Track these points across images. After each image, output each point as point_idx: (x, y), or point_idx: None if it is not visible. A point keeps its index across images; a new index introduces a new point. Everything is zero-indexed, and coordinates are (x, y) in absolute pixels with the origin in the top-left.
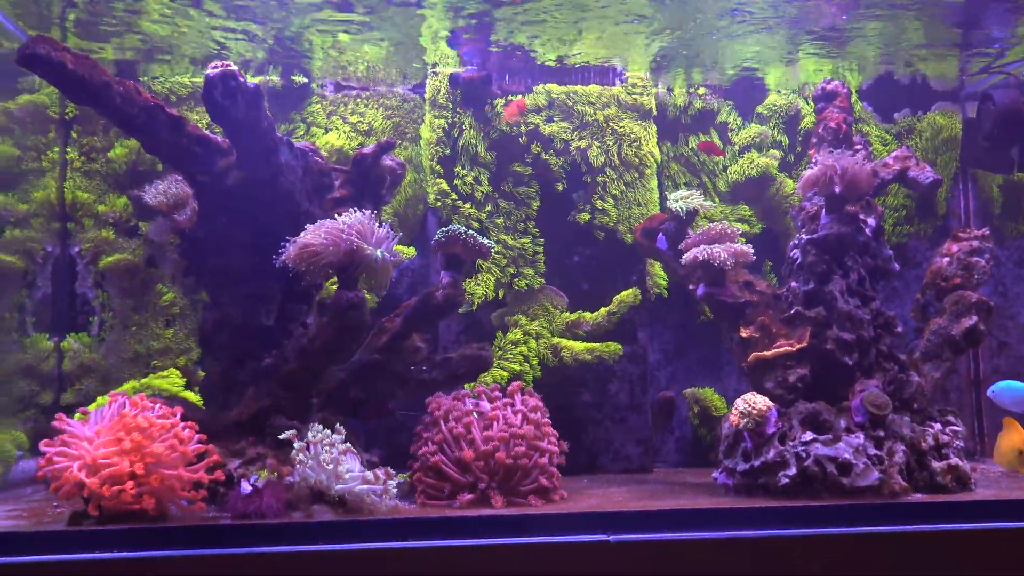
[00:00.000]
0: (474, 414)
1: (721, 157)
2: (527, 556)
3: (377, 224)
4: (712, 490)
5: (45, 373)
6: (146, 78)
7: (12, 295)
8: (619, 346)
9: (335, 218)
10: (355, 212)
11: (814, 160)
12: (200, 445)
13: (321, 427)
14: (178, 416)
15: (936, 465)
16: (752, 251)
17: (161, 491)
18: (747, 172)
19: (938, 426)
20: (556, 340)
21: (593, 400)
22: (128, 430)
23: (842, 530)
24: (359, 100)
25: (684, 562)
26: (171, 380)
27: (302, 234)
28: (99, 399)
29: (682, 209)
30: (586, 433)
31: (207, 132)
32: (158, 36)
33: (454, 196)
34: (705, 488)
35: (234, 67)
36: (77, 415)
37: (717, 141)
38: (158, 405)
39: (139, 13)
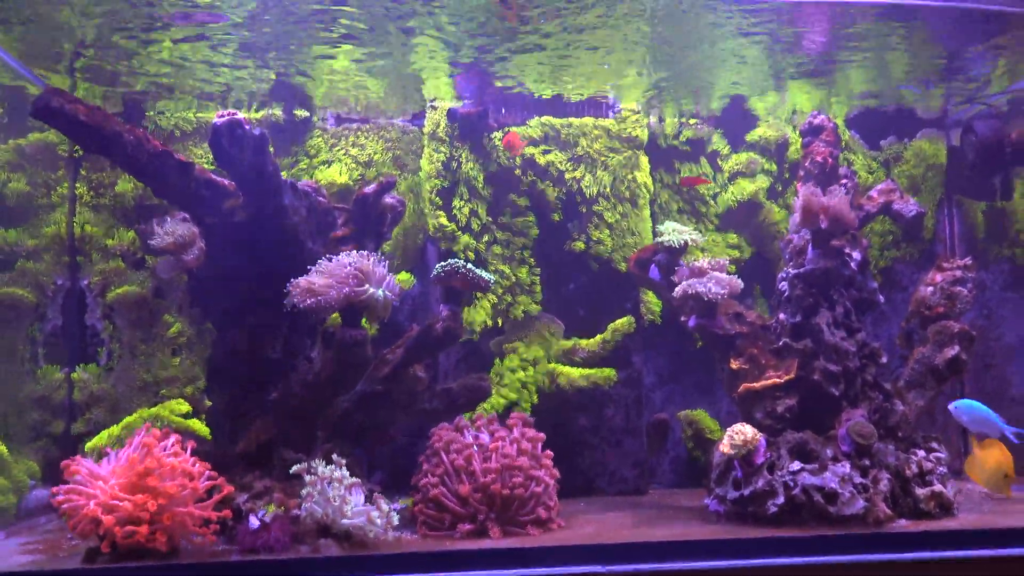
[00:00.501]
0: (474, 447)
1: (708, 185)
2: None
3: (378, 262)
4: (704, 516)
5: (56, 403)
6: (152, 113)
7: (25, 327)
8: (613, 372)
9: (339, 257)
10: (356, 252)
11: (800, 194)
12: (210, 481)
13: (327, 464)
14: (188, 452)
15: (920, 492)
16: (741, 284)
17: (173, 528)
18: (737, 197)
19: (922, 453)
20: (553, 366)
21: (589, 424)
22: (141, 474)
23: (828, 559)
24: (360, 132)
25: None
26: (179, 410)
27: (309, 276)
28: (110, 429)
29: (674, 241)
30: (583, 457)
31: (214, 175)
32: (164, 75)
33: (453, 227)
34: (697, 513)
35: (240, 115)
36: (88, 444)
37: (708, 170)
38: (172, 440)
39: (146, 52)
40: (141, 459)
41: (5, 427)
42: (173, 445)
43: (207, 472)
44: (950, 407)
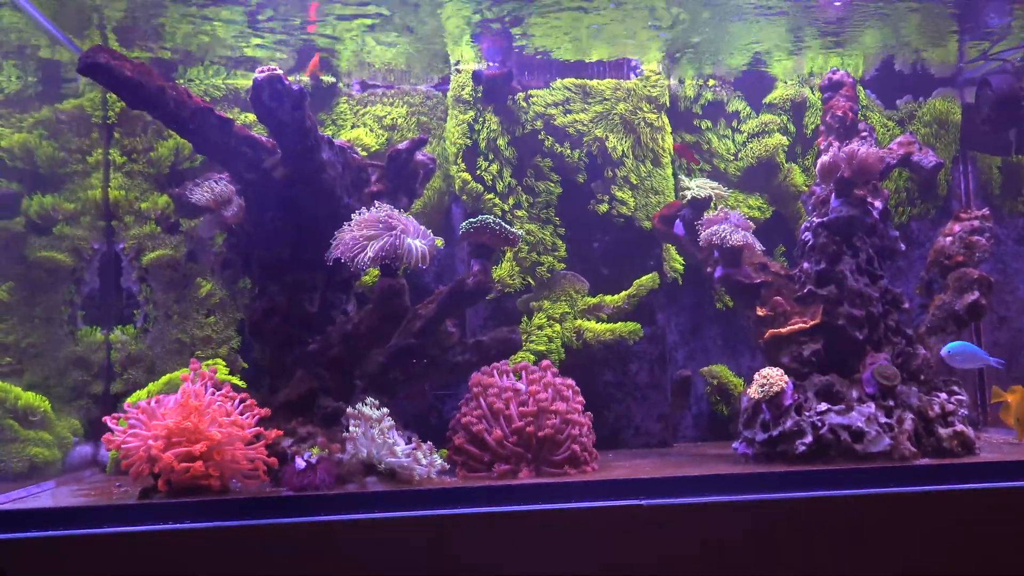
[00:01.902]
0: (511, 391)
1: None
2: (567, 519)
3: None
4: (733, 460)
5: (96, 364)
6: (182, 81)
7: (63, 291)
8: (638, 325)
9: (373, 210)
10: (388, 205)
11: (823, 147)
12: (259, 427)
13: (374, 406)
14: (237, 400)
15: (943, 432)
16: (760, 245)
17: (224, 465)
18: (758, 153)
19: (944, 396)
20: (579, 322)
21: (614, 379)
22: (190, 417)
23: (856, 492)
24: (385, 98)
25: (712, 523)
26: (217, 369)
27: (348, 227)
28: (149, 386)
29: (699, 194)
30: (609, 410)
31: (253, 132)
32: (192, 42)
33: (478, 186)
34: (726, 458)
35: (279, 71)
36: (134, 397)
37: (726, 131)
38: (223, 389)
39: (174, 21)
40: (189, 403)
41: (47, 387)
42: (223, 390)
43: (255, 418)
44: (942, 354)
